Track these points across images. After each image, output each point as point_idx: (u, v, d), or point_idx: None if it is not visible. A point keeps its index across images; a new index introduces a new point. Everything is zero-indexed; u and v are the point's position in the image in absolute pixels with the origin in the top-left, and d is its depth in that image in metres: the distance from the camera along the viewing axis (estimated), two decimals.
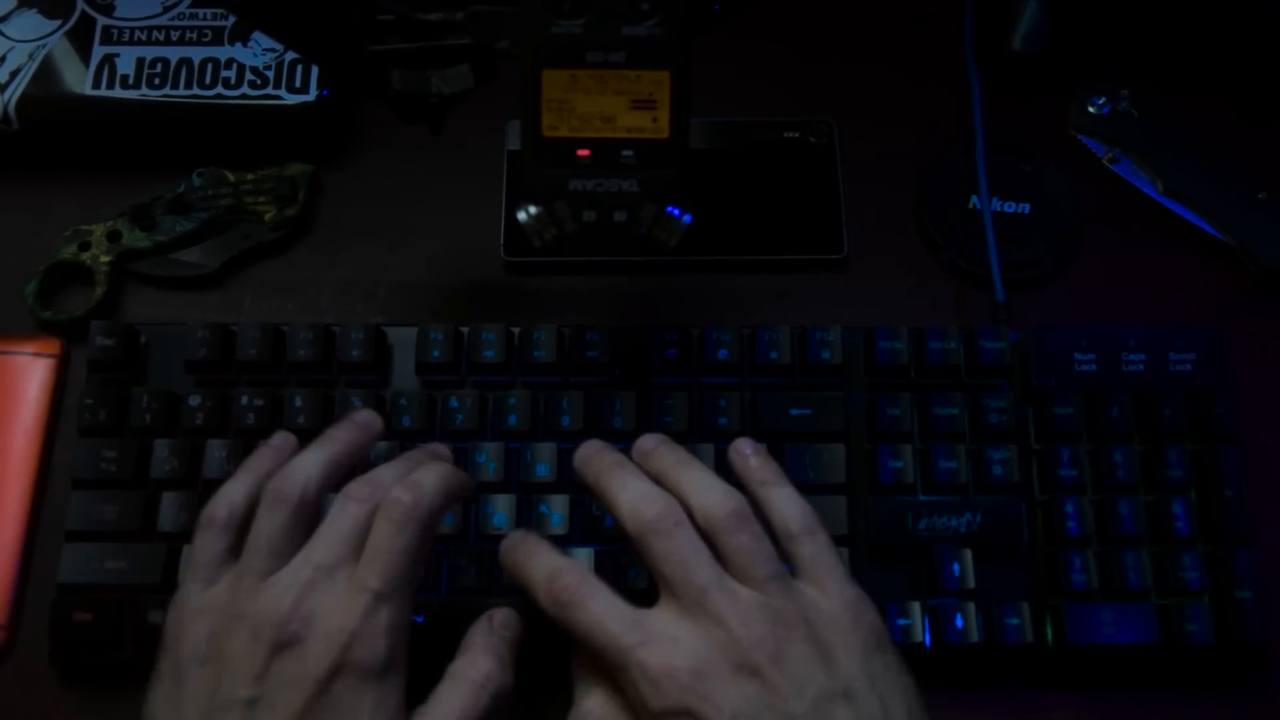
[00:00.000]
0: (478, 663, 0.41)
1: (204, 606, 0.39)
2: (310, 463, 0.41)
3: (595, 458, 0.44)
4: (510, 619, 0.43)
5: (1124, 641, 0.47)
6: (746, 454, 0.43)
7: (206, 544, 0.41)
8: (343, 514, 0.40)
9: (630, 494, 0.41)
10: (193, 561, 0.41)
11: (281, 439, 0.45)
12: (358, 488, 0.41)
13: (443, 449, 0.47)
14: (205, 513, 0.41)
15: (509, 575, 0.43)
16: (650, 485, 0.41)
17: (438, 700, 0.40)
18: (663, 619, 0.39)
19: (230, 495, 0.42)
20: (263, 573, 0.39)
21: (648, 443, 0.44)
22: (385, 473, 0.42)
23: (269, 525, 0.40)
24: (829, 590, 0.39)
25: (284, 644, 0.37)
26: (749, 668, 0.37)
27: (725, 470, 0.43)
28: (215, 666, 0.38)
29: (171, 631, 0.40)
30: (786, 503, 0.41)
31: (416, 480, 0.41)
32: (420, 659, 0.48)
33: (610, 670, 0.39)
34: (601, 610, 0.39)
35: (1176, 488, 0.48)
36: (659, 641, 0.38)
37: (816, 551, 0.40)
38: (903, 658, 0.39)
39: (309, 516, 0.41)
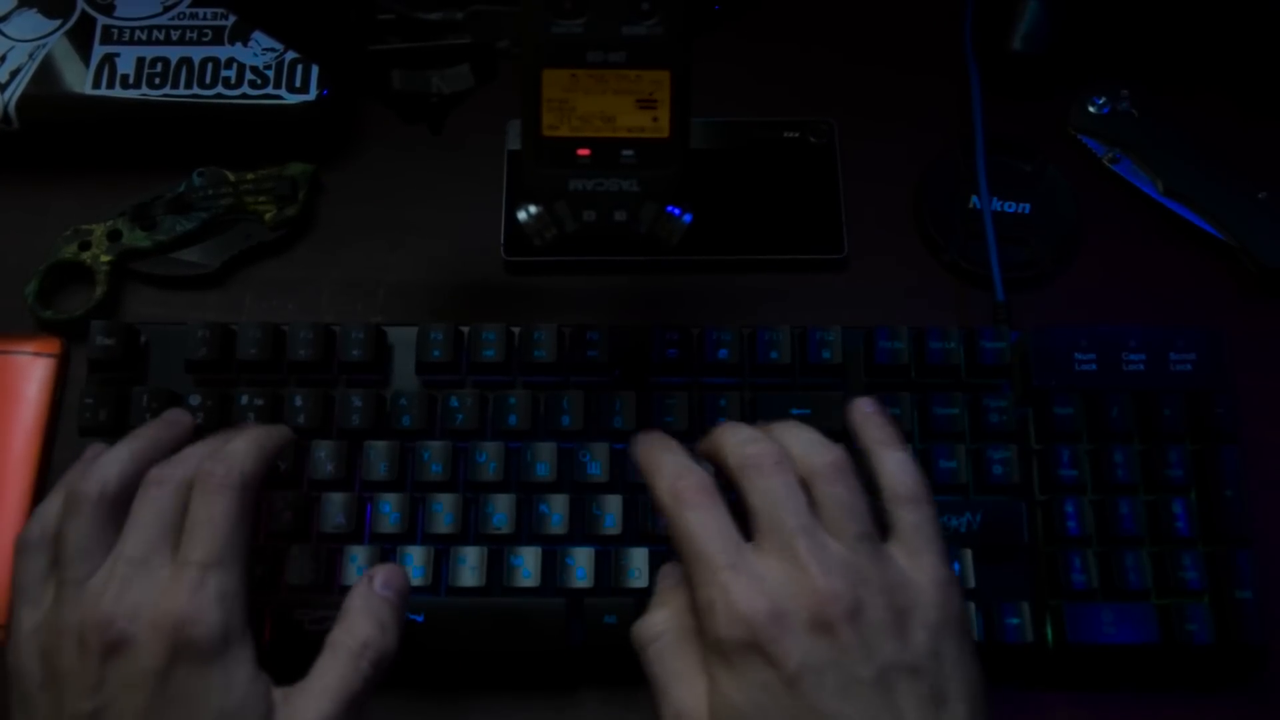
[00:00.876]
0: (355, 629, 0.40)
1: (32, 628, 0.39)
2: (111, 459, 0.41)
3: (718, 431, 0.43)
4: (392, 576, 0.42)
5: (1124, 641, 0.47)
6: (868, 412, 0.43)
7: (25, 566, 0.40)
8: (145, 500, 0.40)
9: (738, 437, 0.41)
10: (16, 586, 0.40)
11: (92, 450, 0.44)
12: (159, 470, 0.40)
13: (254, 427, 0.45)
14: (19, 536, 0.41)
15: (638, 467, 0.42)
16: (759, 432, 0.41)
17: (315, 673, 0.39)
18: (757, 555, 0.38)
19: (41, 513, 0.41)
20: (78, 580, 0.38)
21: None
22: (192, 451, 0.41)
23: (72, 529, 0.39)
24: (923, 563, 0.39)
25: (112, 647, 0.37)
26: (824, 621, 0.36)
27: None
28: (54, 688, 0.37)
29: (12, 663, 0.39)
30: (900, 466, 0.41)
31: (226, 450, 0.41)
32: (419, 662, 0.48)
33: (692, 579, 0.38)
34: (710, 520, 0.38)
35: (1176, 488, 0.48)
36: (748, 573, 0.37)
37: (920, 521, 0.39)
38: (977, 652, 0.39)
39: (116, 513, 0.40)
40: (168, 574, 0.38)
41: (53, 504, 0.41)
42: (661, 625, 0.39)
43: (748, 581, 0.37)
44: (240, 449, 0.41)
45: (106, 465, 0.41)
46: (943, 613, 0.38)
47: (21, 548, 0.41)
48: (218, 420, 0.49)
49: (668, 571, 0.42)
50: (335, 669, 0.39)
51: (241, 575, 0.39)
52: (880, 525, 0.39)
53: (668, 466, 0.41)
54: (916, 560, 0.39)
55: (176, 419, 0.45)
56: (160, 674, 0.36)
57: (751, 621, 0.36)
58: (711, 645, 0.37)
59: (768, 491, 0.39)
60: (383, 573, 0.42)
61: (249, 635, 0.39)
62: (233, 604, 0.38)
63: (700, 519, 0.38)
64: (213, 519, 0.39)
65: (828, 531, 0.38)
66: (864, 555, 0.38)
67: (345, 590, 0.46)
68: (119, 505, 0.40)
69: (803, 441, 0.41)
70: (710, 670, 0.37)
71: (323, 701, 0.38)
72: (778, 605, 0.36)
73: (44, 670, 0.38)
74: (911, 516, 0.39)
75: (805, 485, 0.39)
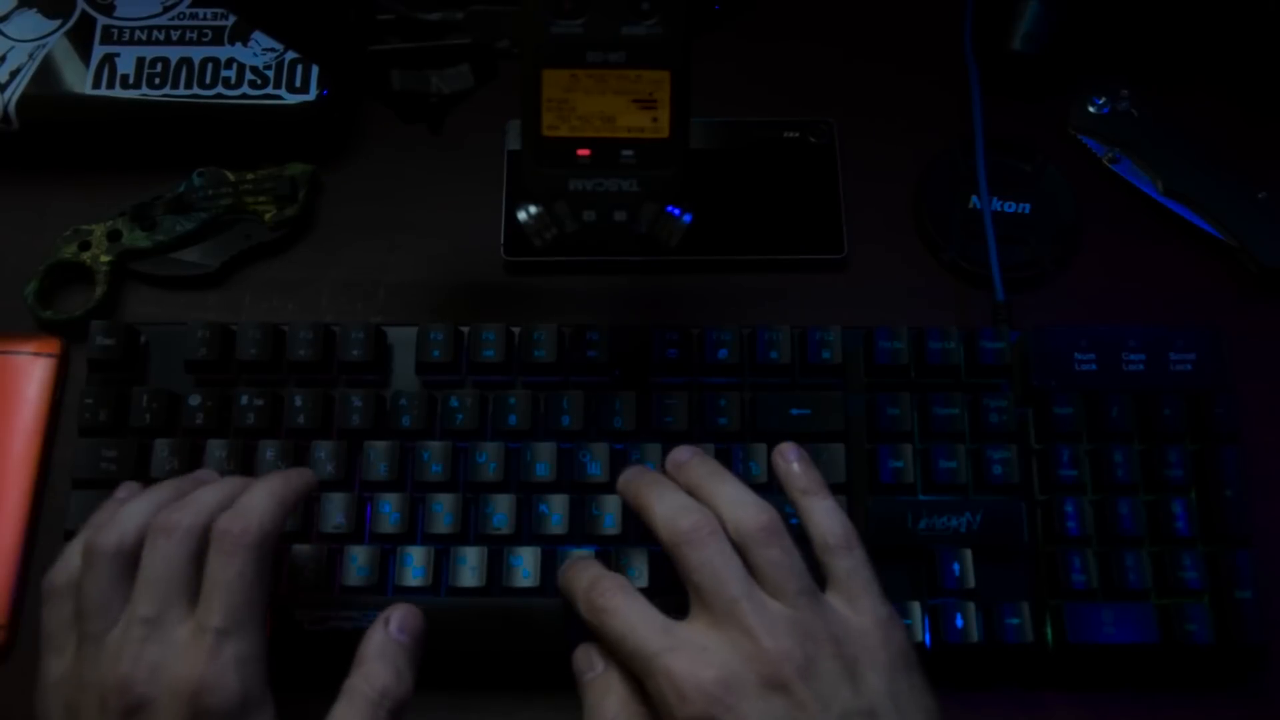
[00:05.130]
0: (373, 677, 0.40)
1: (57, 679, 0.39)
2: (131, 512, 0.40)
3: (635, 479, 0.44)
4: (407, 619, 0.42)
5: (1124, 641, 0.47)
6: (790, 459, 0.44)
7: (51, 613, 0.40)
8: (153, 552, 0.39)
9: (666, 506, 0.41)
10: (43, 632, 0.40)
11: (125, 491, 0.44)
12: (166, 516, 0.39)
13: (273, 476, 0.45)
14: (45, 581, 0.41)
15: (562, 592, 0.44)
16: (685, 498, 0.41)
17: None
18: (693, 629, 0.39)
19: (67, 558, 0.41)
20: (96, 635, 0.38)
21: (681, 454, 0.45)
22: (202, 495, 0.41)
23: (89, 584, 0.39)
24: (861, 607, 0.39)
25: (132, 708, 0.36)
26: (776, 682, 0.37)
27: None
28: None
29: (39, 709, 0.39)
30: (826, 515, 0.41)
31: (243, 505, 0.40)
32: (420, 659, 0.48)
33: (638, 675, 0.39)
34: (634, 616, 0.39)
35: (1176, 488, 0.48)
36: (687, 650, 0.38)
37: (853, 566, 0.40)
38: (928, 680, 0.39)
39: (133, 566, 0.39)
40: (183, 634, 0.38)
41: (76, 548, 0.41)
42: (621, 716, 0.39)
43: (689, 657, 0.37)
44: (258, 504, 0.40)
45: (126, 519, 0.40)
46: (888, 653, 0.38)
47: (47, 593, 0.40)
48: (217, 421, 0.49)
49: (587, 661, 0.42)
50: (355, 718, 0.39)
51: (260, 637, 0.39)
52: (816, 575, 0.40)
53: (581, 580, 0.41)
54: (855, 605, 0.39)
55: (204, 478, 0.44)
56: None
57: (703, 694, 0.36)
58: None
59: (703, 565, 0.39)
60: (398, 616, 0.42)
61: (268, 695, 0.38)
62: (251, 668, 0.38)
63: (622, 619, 0.39)
64: (229, 582, 0.38)
65: (767, 593, 0.39)
66: (806, 610, 0.38)
67: (346, 591, 0.47)
68: (136, 558, 0.39)
69: (732, 503, 0.41)
70: None
71: None
72: (726, 674, 0.37)
73: None
74: (845, 563, 0.40)
75: (738, 547, 0.40)
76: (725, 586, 0.38)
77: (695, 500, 0.41)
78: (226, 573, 0.38)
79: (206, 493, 0.41)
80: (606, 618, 0.39)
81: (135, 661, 0.37)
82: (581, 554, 0.46)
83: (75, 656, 0.39)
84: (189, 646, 0.37)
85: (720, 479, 0.42)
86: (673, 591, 0.41)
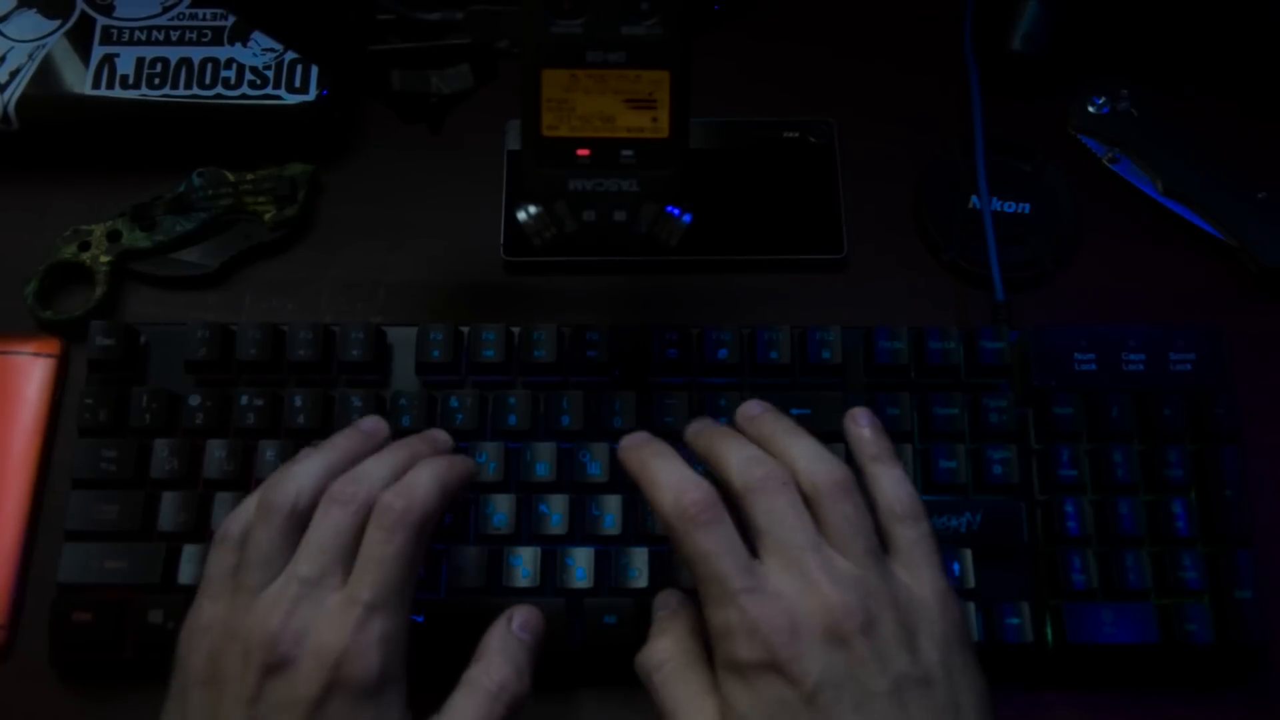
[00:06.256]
0: (493, 670, 0.40)
1: (207, 624, 0.39)
2: (305, 471, 0.41)
3: (708, 429, 0.43)
4: (530, 619, 0.43)
5: (1124, 641, 0.47)
6: (862, 425, 0.43)
7: (218, 559, 0.40)
8: (325, 520, 0.39)
9: (741, 455, 0.40)
10: (205, 576, 0.40)
11: (305, 452, 0.44)
12: (341, 487, 0.40)
13: (442, 435, 0.46)
14: (220, 528, 0.41)
15: (630, 473, 0.42)
16: (758, 450, 0.41)
17: (451, 709, 0.39)
18: (768, 574, 0.38)
19: (245, 508, 0.41)
20: (255, 588, 0.39)
21: (753, 408, 0.44)
22: (373, 467, 0.41)
23: (260, 537, 0.39)
24: (922, 578, 0.39)
25: (274, 666, 0.37)
26: (839, 636, 0.37)
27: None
28: (214, 689, 0.38)
29: (180, 649, 0.39)
30: (896, 483, 0.41)
31: (409, 483, 0.40)
32: (419, 659, 0.48)
33: (710, 600, 0.38)
34: (723, 541, 0.38)
35: (1176, 488, 0.48)
36: (765, 593, 0.37)
37: (918, 537, 0.40)
38: (979, 660, 0.39)
39: (303, 526, 0.40)
40: (336, 601, 0.38)
41: (253, 501, 0.41)
42: (666, 653, 0.40)
43: (765, 601, 0.37)
44: (423, 484, 0.40)
45: (301, 476, 0.40)
46: (945, 625, 0.38)
47: (219, 539, 0.41)
48: (217, 421, 0.49)
49: (664, 600, 0.43)
50: (473, 708, 0.39)
51: (405, 617, 0.39)
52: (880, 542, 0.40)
53: (670, 478, 0.40)
54: (916, 575, 0.39)
55: (373, 429, 0.44)
56: (314, 702, 0.37)
57: (771, 641, 0.36)
58: (727, 666, 0.38)
59: (773, 511, 0.39)
60: (520, 615, 0.43)
61: (404, 676, 0.39)
62: (393, 647, 0.38)
63: (713, 539, 0.38)
64: (385, 558, 0.39)
65: (834, 548, 0.39)
66: (871, 570, 0.38)
67: None
68: (307, 519, 0.40)
69: (806, 455, 0.41)
70: (725, 691, 0.37)
71: None
72: (794, 623, 0.37)
73: (207, 668, 0.38)
74: (910, 533, 0.40)
75: (809, 501, 0.40)
76: (795, 535, 0.38)
77: (767, 453, 0.41)
78: (383, 549, 0.39)
79: (378, 465, 0.41)
80: (697, 533, 0.38)
81: (286, 620, 0.37)
82: (649, 436, 0.43)
83: (229, 605, 0.39)
84: (337, 616, 0.38)
85: (795, 434, 0.42)
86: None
